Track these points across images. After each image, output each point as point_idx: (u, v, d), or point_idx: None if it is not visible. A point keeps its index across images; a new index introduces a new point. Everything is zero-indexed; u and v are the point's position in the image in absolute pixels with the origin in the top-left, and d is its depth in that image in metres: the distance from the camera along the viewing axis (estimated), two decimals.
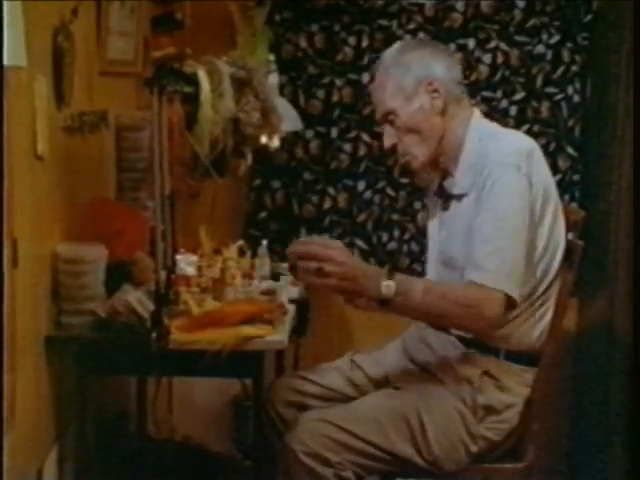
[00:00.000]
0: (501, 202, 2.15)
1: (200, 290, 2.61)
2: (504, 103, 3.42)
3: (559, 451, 3.40)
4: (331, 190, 3.48)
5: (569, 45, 3.39)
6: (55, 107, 2.37)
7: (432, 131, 2.28)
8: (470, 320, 2.15)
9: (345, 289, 2.09)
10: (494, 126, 2.38)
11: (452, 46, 3.37)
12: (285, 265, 2.40)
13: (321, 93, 3.43)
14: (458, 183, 2.29)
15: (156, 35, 3.07)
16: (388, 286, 2.07)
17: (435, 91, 2.27)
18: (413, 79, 2.27)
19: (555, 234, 2.25)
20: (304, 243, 2.12)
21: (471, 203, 2.22)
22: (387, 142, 2.34)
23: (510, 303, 2.15)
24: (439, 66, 2.29)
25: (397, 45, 2.38)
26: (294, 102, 3.37)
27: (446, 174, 2.35)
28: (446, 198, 2.35)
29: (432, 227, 2.47)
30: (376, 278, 2.09)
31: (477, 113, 2.35)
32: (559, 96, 3.41)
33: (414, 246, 3.47)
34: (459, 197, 2.29)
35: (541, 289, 2.26)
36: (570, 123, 3.42)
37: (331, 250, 2.05)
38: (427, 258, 2.53)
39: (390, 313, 2.17)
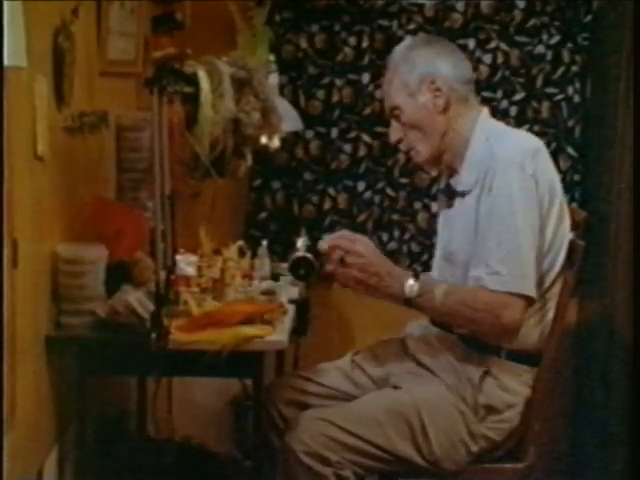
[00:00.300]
0: (510, 204, 2.16)
1: (200, 290, 2.61)
2: (504, 103, 3.42)
3: (559, 451, 3.40)
4: (331, 190, 3.48)
5: (569, 45, 3.39)
6: (55, 107, 2.36)
7: (434, 129, 2.31)
8: (488, 326, 2.20)
9: (365, 283, 2.17)
10: (501, 125, 2.41)
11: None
12: (285, 265, 2.40)
13: (321, 93, 3.43)
14: (463, 180, 2.30)
15: (156, 35, 3.07)
16: (411, 286, 2.17)
17: (437, 89, 2.30)
18: (417, 76, 2.30)
19: (559, 233, 2.26)
20: (334, 237, 2.22)
21: (473, 201, 2.24)
22: (393, 137, 2.38)
23: (529, 303, 2.19)
24: (444, 64, 2.31)
25: (407, 41, 2.43)
26: (294, 102, 3.37)
27: (453, 172, 2.37)
28: (451, 195, 2.37)
29: (439, 224, 2.48)
30: (401, 278, 2.18)
31: (485, 112, 2.37)
32: (559, 96, 3.41)
33: (414, 246, 3.47)
34: (462, 194, 2.30)
35: (543, 288, 2.27)
36: (570, 123, 3.42)
37: (354, 244, 2.17)
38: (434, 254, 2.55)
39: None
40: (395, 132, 2.36)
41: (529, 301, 2.19)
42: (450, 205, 2.37)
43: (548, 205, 2.21)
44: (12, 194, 2.02)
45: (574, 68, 3.40)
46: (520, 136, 2.41)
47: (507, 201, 2.16)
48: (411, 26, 3.39)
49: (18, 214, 2.08)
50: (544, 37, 3.39)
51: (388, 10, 3.40)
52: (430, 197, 3.40)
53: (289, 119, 3.16)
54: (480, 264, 2.18)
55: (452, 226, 2.35)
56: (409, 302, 2.18)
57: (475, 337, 2.28)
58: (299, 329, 2.72)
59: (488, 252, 2.17)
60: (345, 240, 2.19)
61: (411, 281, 2.17)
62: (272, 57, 3.31)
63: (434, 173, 2.53)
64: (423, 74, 2.29)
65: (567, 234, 2.28)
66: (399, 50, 2.37)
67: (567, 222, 2.29)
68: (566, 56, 3.39)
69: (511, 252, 2.15)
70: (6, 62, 1.79)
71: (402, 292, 2.17)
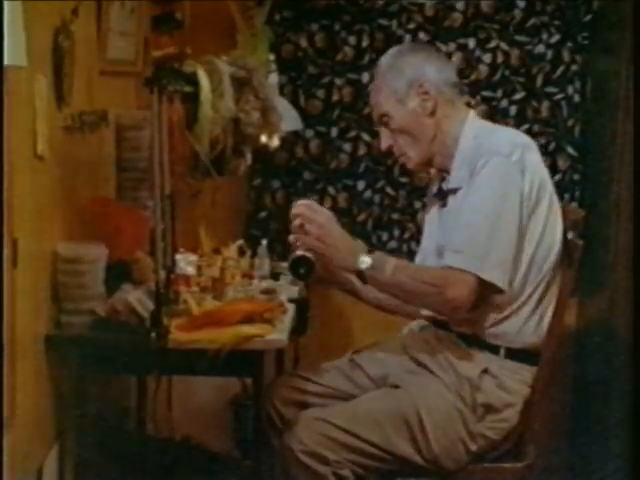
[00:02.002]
0: (485, 187, 2.20)
1: (200, 289, 2.62)
2: (504, 103, 3.42)
3: (559, 451, 3.40)
4: (331, 189, 3.49)
5: (569, 45, 3.39)
6: (55, 107, 2.37)
7: (423, 132, 2.34)
8: (433, 300, 2.23)
9: (322, 252, 2.20)
10: (490, 125, 2.44)
11: (452, 46, 3.38)
12: (285, 264, 2.41)
13: (321, 93, 3.44)
14: (453, 178, 2.33)
15: (156, 35, 3.08)
16: (364, 261, 2.21)
17: (425, 93, 2.33)
18: (405, 82, 2.33)
19: (549, 230, 2.26)
20: (299, 204, 2.25)
21: (463, 196, 2.26)
22: (383, 144, 2.41)
23: (492, 288, 2.18)
24: (431, 69, 2.34)
25: (393, 50, 2.45)
26: (294, 102, 3.37)
27: (445, 174, 2.38)
28: (444, 195, 2.38)
29: (430, 222, 2.49)
30: (355, 252, 2.23)
31: (472, 114, 2.39)
32: (559, 96, 3.41)
33: (414, 245, 3.47)
34: (454, 191, 2.32)
35: (540, 286, 2.27)
36: (570, 123, 3.42)
37: (316, 213, 2.22)
38: (419, 250, 2.56)
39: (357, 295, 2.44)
40: (385, 139, 2.39)
41: (491, 285, 2.18)
42: (444, 205, 2.39)
43: (536, 198, 2.22)
44: (12, 194, 2.02)
45: (574, 68, 3.40)
46: (510, 132, 2.46)
47: (485, 185, 2.19)
48: (411, 25, 3.39)
49: (18, 214, 2.08)
50: (544, 36, 3.39)
51: (388, 9, 3.40)
52: None
53: (289, 118, 3.17)
54: (449, 246, 2.22)
55: (445, 222, 2.37)
56: (361, 275, 2.22)
57: (474, 336, 2.29)
58: (299, 328, 2.73)
59: (457, 231, 2.21)
60: (308, 209, 2.23)
61: (364, 255, 2.21)
62: (272, 57, 3.32)
63: (431, 174, 2.53)
64: (411, 79, 2.32)
65: (559, 233, 2.29)
66: (385, 59, 2.40)
67: (559, 221, 2.29)
68: (566, 56, 3.40)
69: (476, 232, 2.18)
70: (6, 62, 1.79)
71: (354, 265, 2.21)
